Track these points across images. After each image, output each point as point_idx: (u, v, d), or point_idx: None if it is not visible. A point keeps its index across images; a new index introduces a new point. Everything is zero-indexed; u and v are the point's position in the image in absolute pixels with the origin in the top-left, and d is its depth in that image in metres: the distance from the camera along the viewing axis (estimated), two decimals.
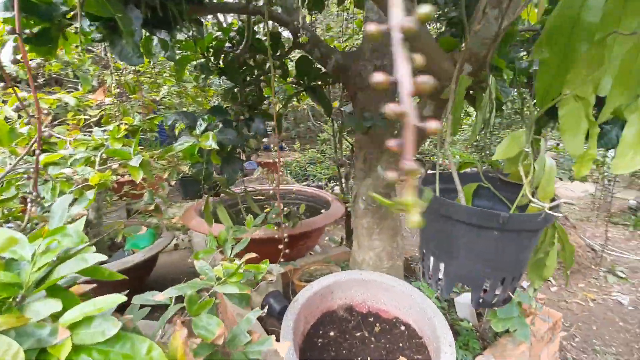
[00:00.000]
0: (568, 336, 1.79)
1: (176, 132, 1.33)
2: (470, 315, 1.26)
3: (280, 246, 1.23)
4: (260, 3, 1.16)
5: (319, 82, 1.46)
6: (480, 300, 0.54)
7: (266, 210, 2.25)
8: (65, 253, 0.37)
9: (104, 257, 0.37)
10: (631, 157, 0.43)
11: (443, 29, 1.24)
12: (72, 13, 0.75)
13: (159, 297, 0.62)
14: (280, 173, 3.63)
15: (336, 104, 2.13)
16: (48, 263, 0.36)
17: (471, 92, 0.84)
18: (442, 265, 0.55)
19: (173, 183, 1.50)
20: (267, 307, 1.25)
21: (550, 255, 0.64)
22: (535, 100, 0.55)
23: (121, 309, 0.48)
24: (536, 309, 1.19)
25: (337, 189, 3.63)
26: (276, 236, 1.41)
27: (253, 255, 0.80)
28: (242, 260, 0.73)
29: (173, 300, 0.70)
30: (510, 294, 0.58)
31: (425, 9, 0.18)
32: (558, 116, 0.50)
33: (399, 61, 0.17)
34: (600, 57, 0.44)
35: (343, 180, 2.39)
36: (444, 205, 0.51)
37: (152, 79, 2.16)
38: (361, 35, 2.01)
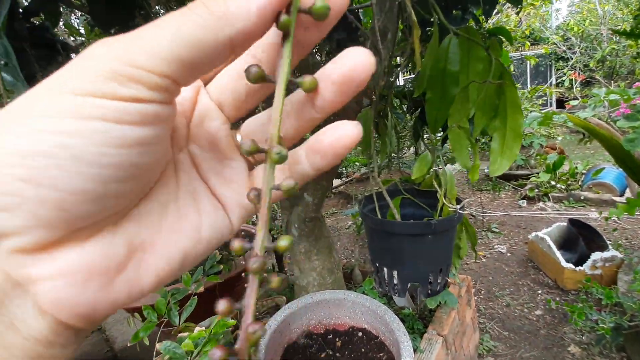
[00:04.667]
0: (475, 292, 2.19)
1: None
2: (408, 302, 1.44)
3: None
4: None
5: None
6: (429, 292, 0.67)
7: None
8: None
9: None
10: (499, 163, 0.61)
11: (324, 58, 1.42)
12: None
13: None
14: None
15: None
16: None
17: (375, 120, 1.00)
18: (395, 273, 0.67)
19: None
20: None
21: (462, 239, 0.83)
22: (428, 127, 0.72)
23: None
24: (456, 280, 1.45)
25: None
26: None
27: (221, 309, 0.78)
28: (217, 321, 0.72)
29: None
30: (447, 278, 0.72)
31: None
32: (449, 138, 0.67)
33: None
34: (467, 97, 0.62)
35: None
36: (389, 225, 0.63)
37: None
38: None
